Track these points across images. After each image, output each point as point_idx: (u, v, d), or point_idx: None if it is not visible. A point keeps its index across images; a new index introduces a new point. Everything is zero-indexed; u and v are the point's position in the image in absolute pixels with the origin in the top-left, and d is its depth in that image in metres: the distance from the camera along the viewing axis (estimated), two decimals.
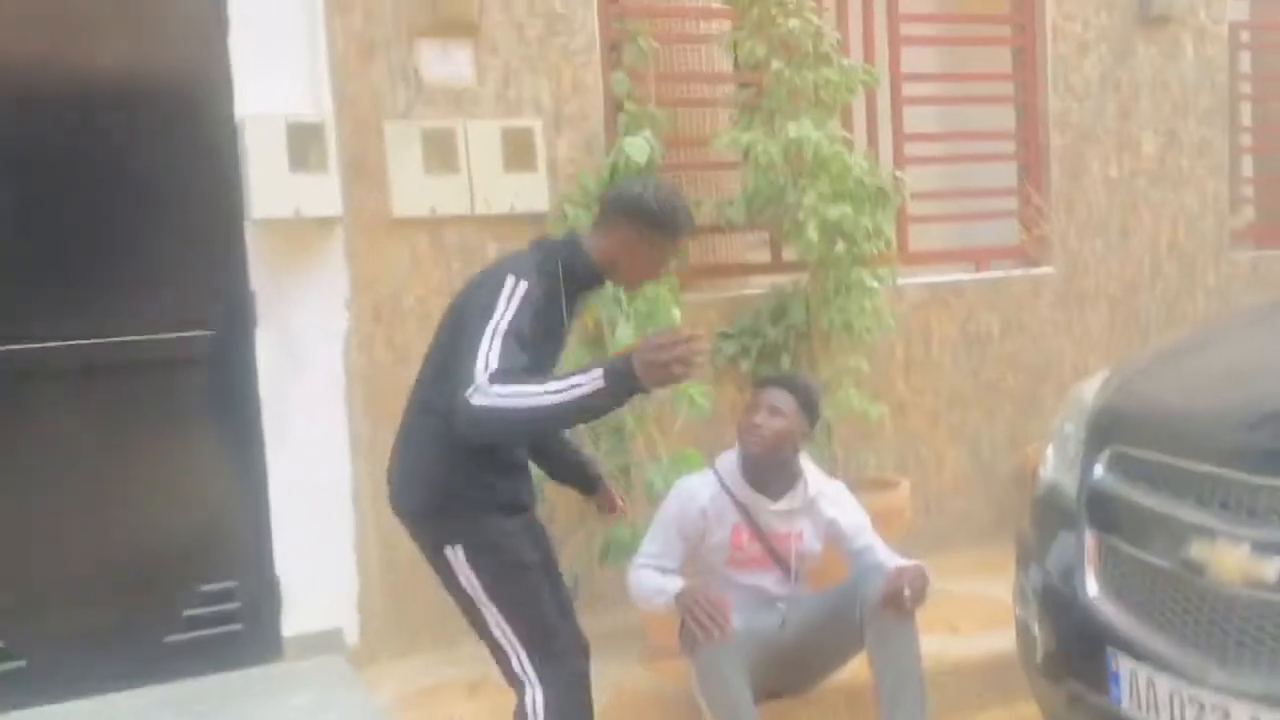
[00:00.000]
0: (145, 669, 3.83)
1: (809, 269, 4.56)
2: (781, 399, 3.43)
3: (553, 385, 2.42)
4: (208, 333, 3.94)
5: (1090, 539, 2.92)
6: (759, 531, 3.50)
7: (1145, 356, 3.39)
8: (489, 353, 2.45)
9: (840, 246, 4.30)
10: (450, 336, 2.70)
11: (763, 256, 5.07)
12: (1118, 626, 2.75)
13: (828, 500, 3.57)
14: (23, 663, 3.71)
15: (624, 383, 2.39)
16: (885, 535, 4.56)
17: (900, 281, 5.03)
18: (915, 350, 5.11)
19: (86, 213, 3.79)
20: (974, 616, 4.29)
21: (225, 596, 3.97)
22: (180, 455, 3.94)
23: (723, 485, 3.50)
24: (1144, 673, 2.64)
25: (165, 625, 3.89)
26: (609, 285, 3.00)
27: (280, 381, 4.01)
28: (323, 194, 3.87)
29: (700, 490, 3.51)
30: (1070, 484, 3.04)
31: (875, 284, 4.52)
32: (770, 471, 3.48)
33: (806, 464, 3.60)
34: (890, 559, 3.53)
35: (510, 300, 2.54)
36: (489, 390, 2.40)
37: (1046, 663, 3.06)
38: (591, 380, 2.39)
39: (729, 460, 3.53)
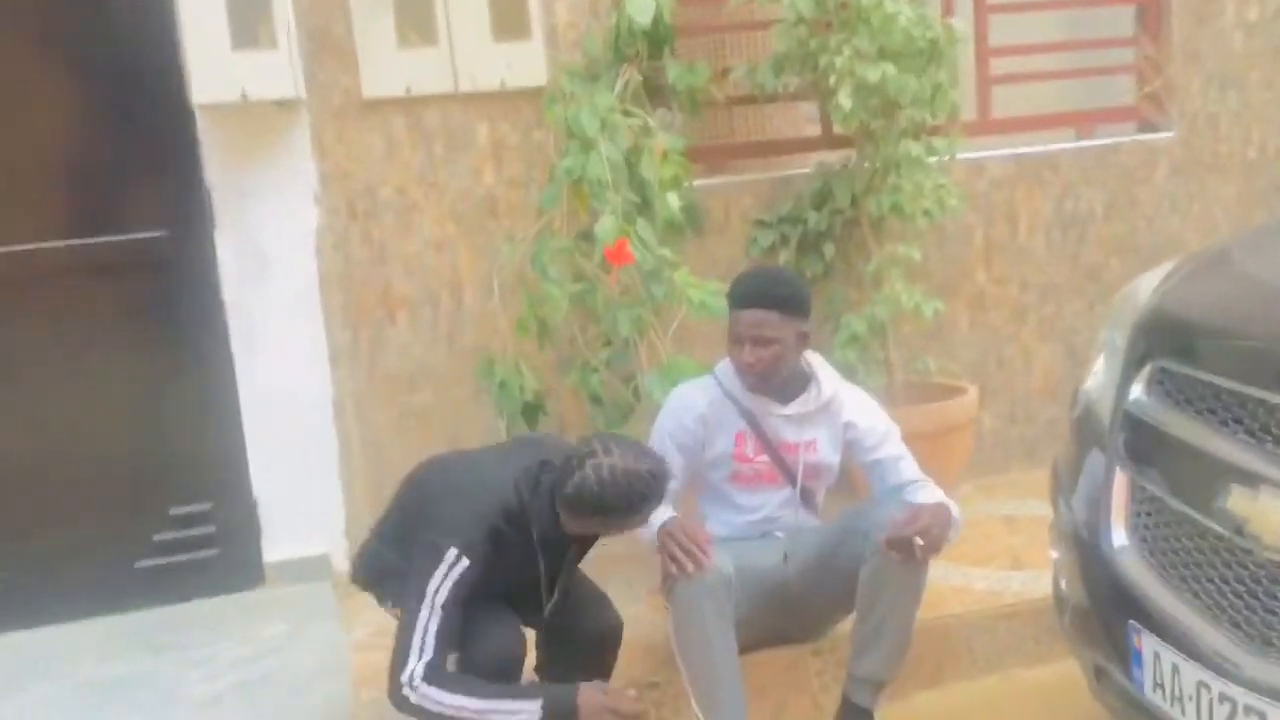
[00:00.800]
0: (115, 595, 3.60)
1: (856, 143, 3.92)
2: (762, 321, 2.86)
3: (488, 704, 2.40)
4: (161, 233, 3.59)
5: (1120, 477, 2.31)
6: (765, 439, 2.99)
7: (1219, 245, 2.68)
8: (428, 634, 2.42)
9: (884, 115, 3.64)
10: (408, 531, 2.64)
11: (815, 131, 4.41)
12: (1143, 592, 2.16)
13: (846, 404, 3.04)
14: None
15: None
16: (950, 452, 4.02)
17: (981, 154, 4.36)
18: (998, 234, 4.39)
19: (18, 104, 3.45)
20: (1043, 547, 3.66)
21: (199, 520, 3.69)
22: (141, 368, 3.63)
23: (724, 390, 3.00)
24: (1169, 656, 2.05)
25: (135, 550, 3.63)
26: None
27: (245, 286, 3.65)
28: (274, 73, 3.42)
29: (697, 397, 3.02)
30: (1107, 406, 2.42)
31: (931, 159, 3.85)
32: (782, 377, 2.96)
33: (818, 364, 3.06)
34: (916, 480, 2.98)
35: (448, 576, 2.44)
36: (422, 689, 2.40)
37: (1073, 623, 2.49)
38: (528, 713, 2.39)
39: (730, 365, 3.01)
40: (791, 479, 3.01)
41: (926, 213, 3.93)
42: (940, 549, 2.75)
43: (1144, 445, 2.25)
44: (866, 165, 3.88)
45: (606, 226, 3.28)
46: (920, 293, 3.86)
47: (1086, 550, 2.35)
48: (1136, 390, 2.29)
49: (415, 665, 2.40)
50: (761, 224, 4.08)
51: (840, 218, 4.00)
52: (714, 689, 2.74)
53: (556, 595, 2.72)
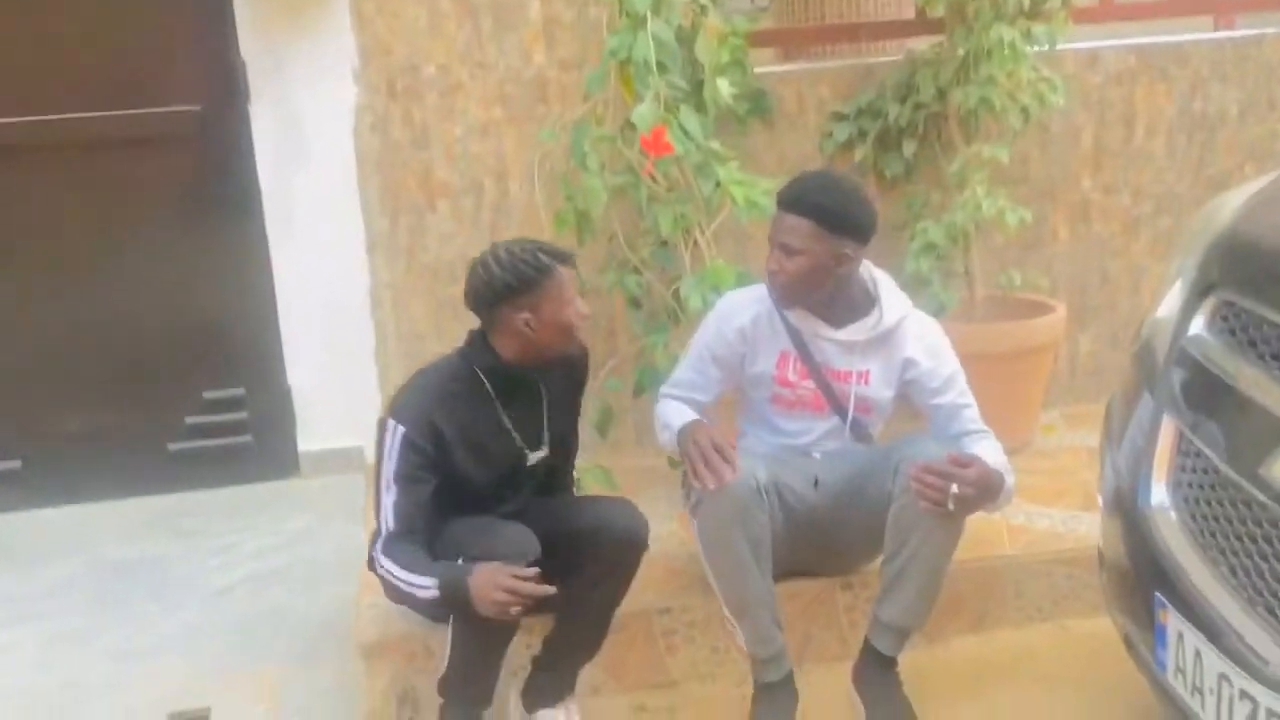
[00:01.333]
0: (145, 478, 3.58)
1: (947, 27, 3.52)
2: (793, 228, 2.55)
3: (411, 576, 2.34)
4: (194, 108, 3.46)
5: (1167, 425, 1.99)
6: (812, 364, 2.70)
7: None
8: (387, 510, 2.41)
9: None
10: None
11: (911, 14, 4.01)
12: (1174, 562, 1.86)
13: (910, 337, 2.70)
14: (17, 463, 3.52)
15: (456, 602, 2.27)
16: (1028, 377, 3.67)
17: (1097, 43, 3.89)
18: (1111, 136, 3.94)
19: None
20: None
21: (232, 405, 3.62)
22: (175, 246, 3.54)
23: (774, 304, 2.72)
24: (1192, 639, 1.76)
25: (167, 432, 3.59)
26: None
27: (281, 166, 3.50)
28: None
29: (743, 308, 2.74)
30: (1165, 342, 2.08)
31: (1032, 47, 3.43)
32: (828, 297, 2.66)
33: (886, 287, 2.72)
34: (977, 432, 2.66)
35: (390, 450, 2.40)
36: (380, 559, 2.40)
37: (1108, 583, 2.21)
38: (427, 589, 2.30)
39: None
40: (840, 410, 2.72)
41: (1024, 109, 3.53)
42: (973, 511, 2.45)
43: (1197, 391, 1.91)
44: (960, 53, 3.49)
45: (644, 113, 3.00)
46: (1007, 199, 3.47)
47: (1125, 505, 2.04)
48: (1197, 325, 1.96)
49: (378, 540, 2.40)
50: (838, 116, 3.73)
51: (924, 112, 3.62)
52: (746, 604, 2.54)
53: (546, 449, 2.58)
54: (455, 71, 3.53)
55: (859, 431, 2.76)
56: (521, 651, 2.62)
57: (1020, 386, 3.64)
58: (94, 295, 3.51)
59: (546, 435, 2.59)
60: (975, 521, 3.12)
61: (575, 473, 2.90)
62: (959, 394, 2.69)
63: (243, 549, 3.26)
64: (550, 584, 2.27)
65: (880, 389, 2.72)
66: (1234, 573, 1.73)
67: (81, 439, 3.55)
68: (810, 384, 2.70)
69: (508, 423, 2.52)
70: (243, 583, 3.10)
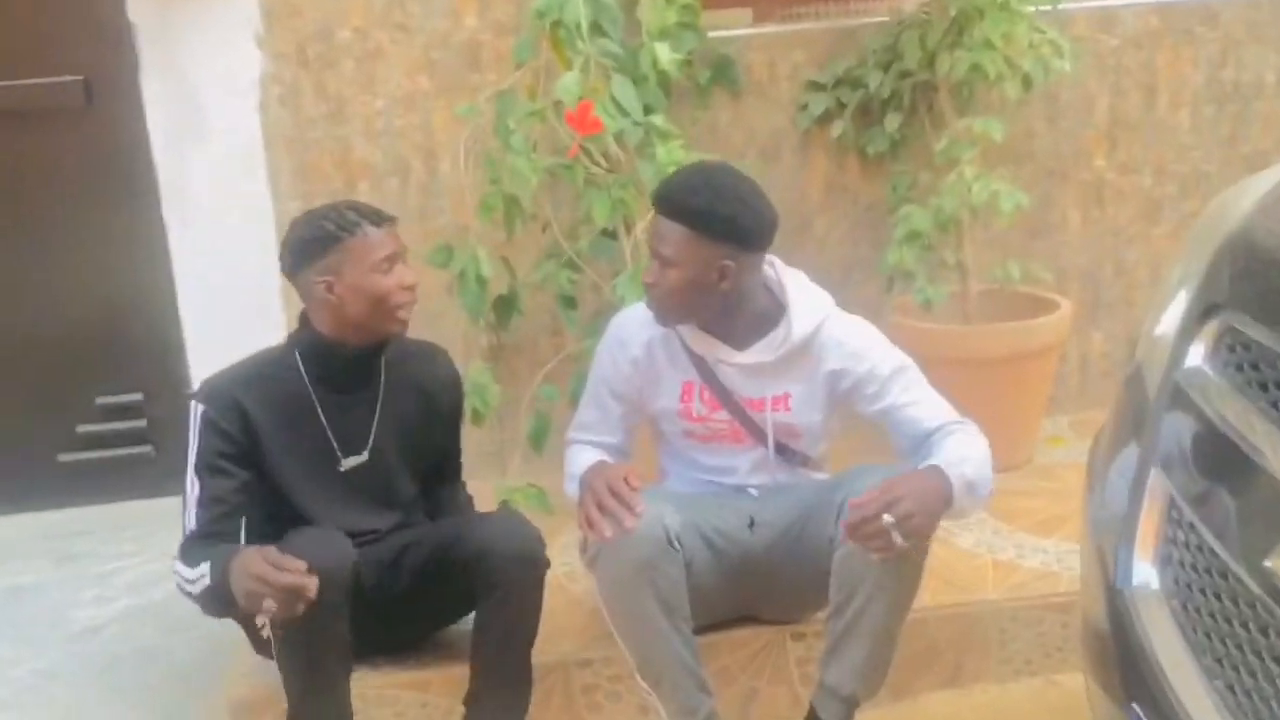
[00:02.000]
0: (36, 491, 3.23)
1: None
2: (664, 235, 2.12)
3: (190, 571, 2.04)
4: (76, 78, 3.07)
5: (1156, 481, 1.55)
6: (721, 391, 2.27)
7: None
8: (189, 507, 2.10)
9: None
10: None
11: None
12: (1156, 666, 1.43)
13: (829, 347, 2.24)
14: None
15: (218, 598, 1.98)
16: (1028, 383, 3.22)
17: (1113, 1, 3.41)
18: (1127, 107, 3.46)
19: None
20: None
21: (129, 412, 3.26)
22: (59, 232, 3.16)
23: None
24: None
25: (57, 442, 3.23)
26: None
27: (177, 144, 3.11)
28: None
29: (634, 332, 2.30)
30: (1156, 373, 1.65)
31: (1030, 6, 2.98)
32: (721, 314, 2.21)
33: (796, 293, 2.26)
34: (941, 426, 2.18)
35: (196, 433, 2.11)
36: (175, 568, 2.08)
37: (1082, 648, 1.79)
38: (201, 579, 2.00)
39: None
40: (763, 440, 2.30)
41: (1024, 77, 3.07)
42: (927, 534, 2.02)
43: (1192, 443, 1.48)
44: (951, 13, 3.03)
45: (567, 84, 2.59)
46: (1004, 181, 3.01)
47: (1100, 571, 1.61)
48: (1196, 355, 1.53)
49: (177, 550, 2.09)
50: (814, 86, 3.29)
51: (911, 81, 3.17)
52: (662, 670, 2.15)
53: (366, 456, 2.22)
54: (374, 36, 3.11)
55: (791, 459, 2.34)
56: None
57: (1019, 396, 3.19)
58: None
59: (372, 439, 2.21)
60: (954, 560, 2.73)
61: (472, 494, 2.53)
62: (903, 391, 2.21)
63: (123, 577, 2.91)
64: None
65: (805, 413, 2.28)
66: (1233, 691, 1.30)
67: None
68: (724, 414, 2.27)
69: (321, 414, 2.17)
70: (117, 619, 2.74)
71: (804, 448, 2.34)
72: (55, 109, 3.06)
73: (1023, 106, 3.33)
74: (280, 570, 1.84)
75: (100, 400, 3.22)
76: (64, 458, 3.23)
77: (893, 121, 3.21)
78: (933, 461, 2.06)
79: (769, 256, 2.22)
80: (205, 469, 2.07)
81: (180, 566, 2.04)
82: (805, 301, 2.25)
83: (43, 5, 3.02)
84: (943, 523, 2.06)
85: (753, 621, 2.49)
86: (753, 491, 2.33)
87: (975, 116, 3.08)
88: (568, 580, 2.73)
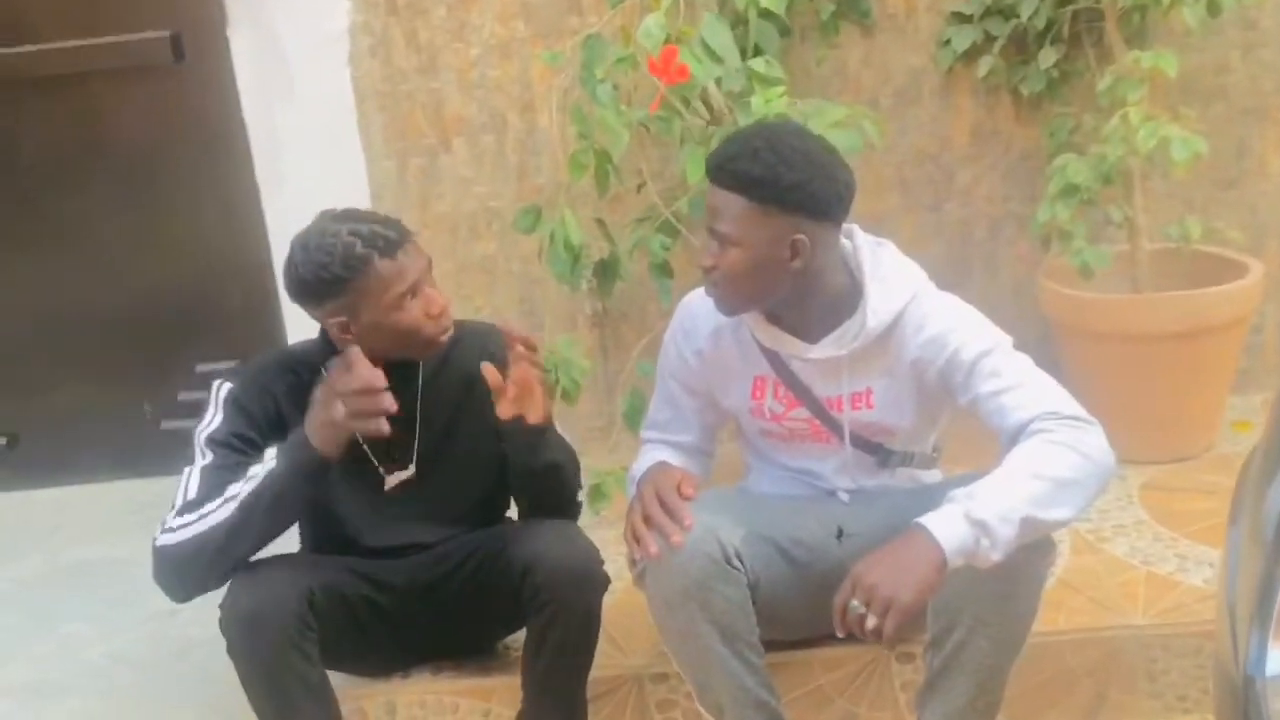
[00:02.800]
0: (140, 458, 3.19)
1: None
2: (720, 208, 1.78)
3: (230, 490, 1.79)
4: (164, 33, 2.95)
5: None
6: (798, 387, 1.95)
7: None
8: (190, 476, 1.85)
9: None
10: None
11: None
12: None
13: (912, 330, 1.87)
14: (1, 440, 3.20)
15: (300, 453, 1.76)
16: (1216, 363, 2.75)
17: None
18: None
19: None
20: None
21: None
22: (156, 199, 3.09)
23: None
24: None
25: (159, 409, 3.17)
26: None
27: (267, 101, 2.97)
28: None
29: (701, 319, 2.00)
30: None
31: None
32: (792, 301, 1.87)
33: (877, 269, 1.89)
34: (1025, 425, 1.74)
35: (213, 408, 1.90)
36: (169, 523, 1.80)
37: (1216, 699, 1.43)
38: (265, 466, 1.78)
39: None
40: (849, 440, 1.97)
41: (1211, 2, 2.59)
42: (914, 612, 1.60)
43: None
44: None
45: (649, 27, 2.29)
46: (1180, 125, 2.55)
47: (1232, 650, 1.26)
48: None
49: (170, 513, 1.82)
50: (958, 17, 2.88)
51: (1071, 9, 2.73)
52: (723, 699, 1.89)
53: (413, 469, 2.00)
54: None
55: (888, 460, 2.00)
56: None
57: (1197, 375, 2.74)
58: (68, 259, 3.12)
59: (416, 451, 1.99)
60: (1101, 571, 2.35)
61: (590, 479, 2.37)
62: (991, 378, 1.80)
63: None
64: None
65: (892, 411, 1.93)
66: None
67: (67, 418, 3.19)
68: (803, 412, 1.96)
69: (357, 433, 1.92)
70: (195, 602, 2.63)
71: (901, 446, 2.01)
72: (144, 67, 2.97)
73: (1212, 35, 2.83)
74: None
75: (200, 367, 3.14)
76: (167, 425, 3.17)
77: (1049, 56, 2.77)
78: (922, 520, 1.63)
79: (848, 226, 1.89)
80: (221, 445, 1.86)
81: (176, 522, 1.78)
82: (886, 283, 1.88)
83: None
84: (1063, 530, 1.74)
85: (851, 638, 2.19)
86: (843, 497, 2.02)
87: (1149, 48, 2.62)
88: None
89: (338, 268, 1.78)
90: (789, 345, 1.89)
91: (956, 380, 1.84)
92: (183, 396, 3.17)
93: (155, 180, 3.07)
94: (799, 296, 1.84)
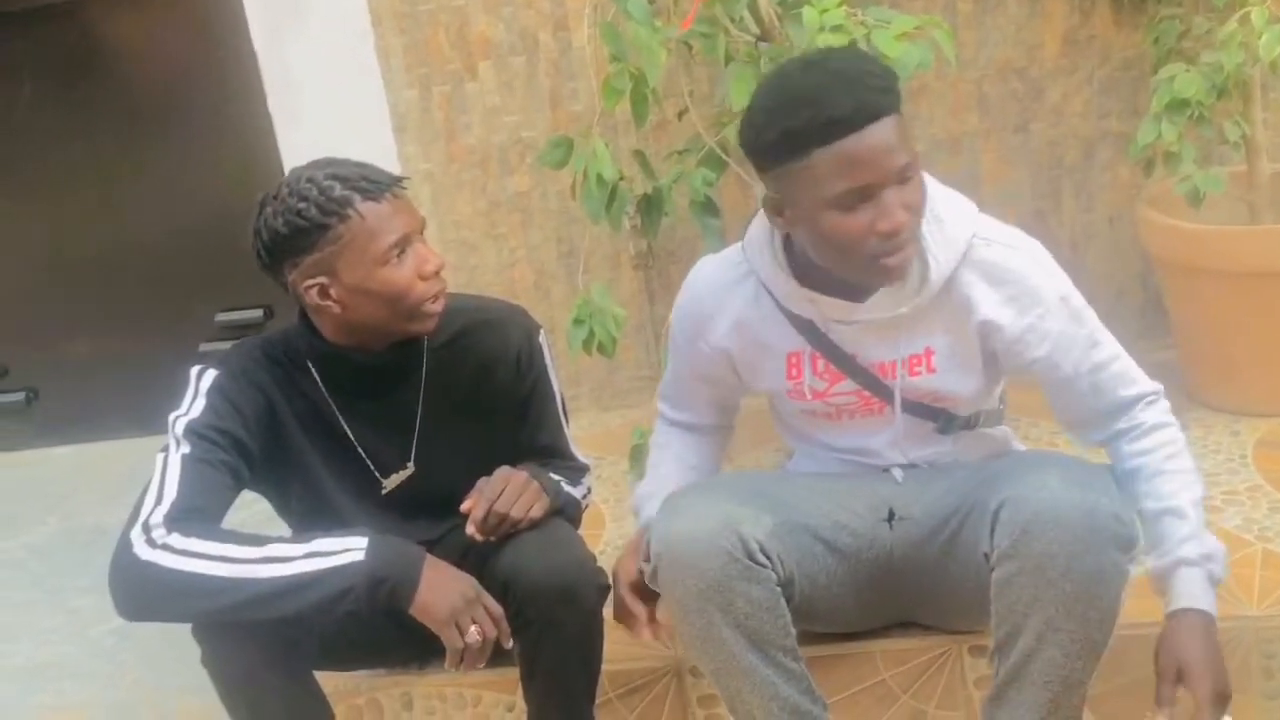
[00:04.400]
0: (163, 411, 3.01)
1: None
2: (899, 134, 1.44)
3: (277, 548, 1.49)
4: None
5: None
6: (840, 358, 1.65)
7: None
8: (167, 466, 1.60)
9: None
10: None
11: None
12: None
13: (978, 287, 1.58)
14: (20, 396, 3.06)
15: (386, 583, 1.49)
16: None
17: None
18: None
19: None
20: None
21: (251, 330, 2.99)
22: (166, 134, 2.90)
23: (758, 279, 1.67)
24: None
25: (180, 360, 2.98)
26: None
27: (277, 26, 2.72)
28: None
29: (711, 293, 1.71)
30: None
31: None
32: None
33: (934, 213, 1.56)
34: (1135, 401, 1.61)
35: (192, 400, 1.66)
36: (167, 538, 1.50)
37: None
38: (346, 553, 1.49)
39: (764, 232, 1.64)
40: (903, 408, 1.69)
41: None
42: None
43: None
44: None
45: None
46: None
47: None
48: None
49: (149, 514, 1.53)
50: None
51: None
52: (755, 710, 1.65)
53: (411, 466, 1.77)
54: None
55: (948, 425, 1.71)
56: None
57: None
58: (81, 205, 2.96)
59: (415, 446, 1.75)
60: None
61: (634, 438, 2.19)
62: (1073, 349, 1.59)
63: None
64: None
65: (955, 376, 1.64)
66: None
67: (90, 369, 3.06)
68: (849, 385, 1.67)
69: (346, 429, 1.71)
70: None
71: (962, 409, 1.72)
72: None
73: None
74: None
75: (221, 316, 2.96)
76: None
77: None
78: (1178, 604, 1.54)
79: None
80: (199, 435, 1.63)
81: (195, 542, 1.50)
82: (942, 224, 1.57)
83: None
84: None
85: (917, 628, 1.93)
86: (897, 475, 1.75)
87: None
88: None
89: (315, 212, 1.53)
90: (832, 309, 1.60)
91: (1028, 356, 1.59)
92: (204, 348, 3.01)
93: (164, 118, 2.88)
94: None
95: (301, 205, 1.53)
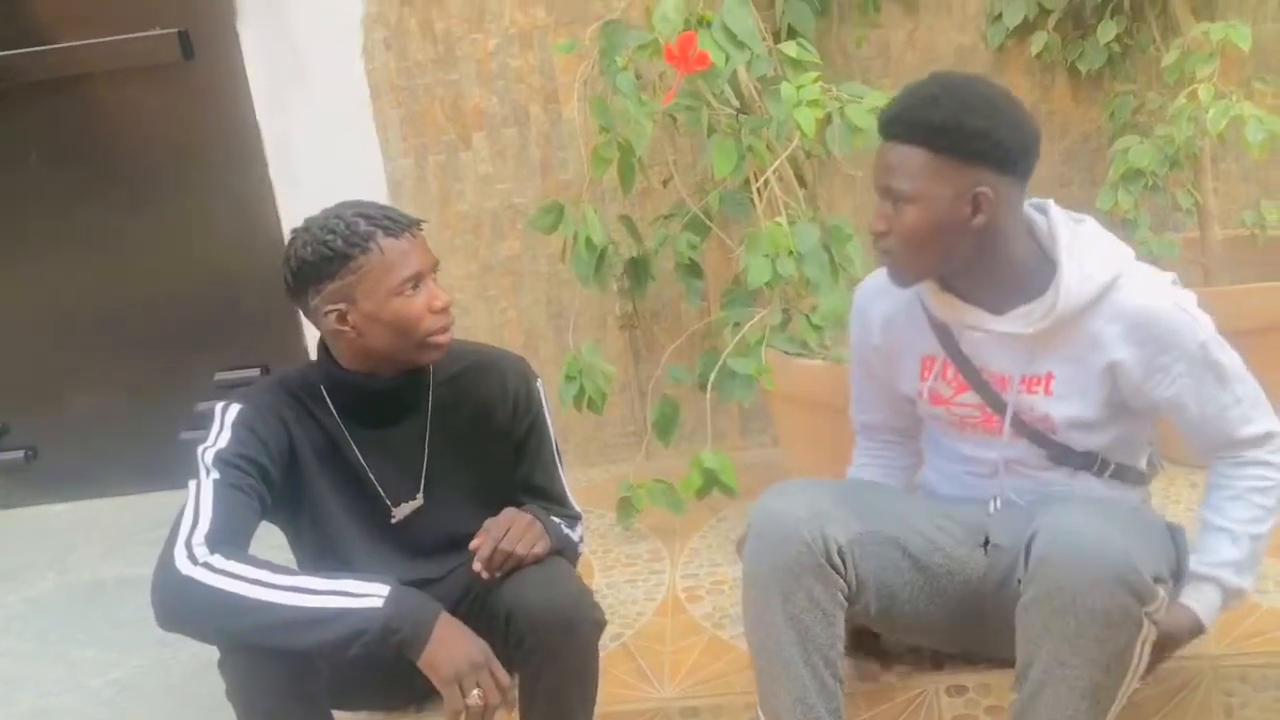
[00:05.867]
0: (160, 470, 3.06)
1: None
2: (897, 165, 1.63)
3: (307, 580, 1.58)
4: (173, 30, 2.84)
5: None
6: (967, 369, 1.78)
7: None
8: (201, 492, 1.66)
9: None
10: None
11: None
12: None
13: (1119, 322, 1.67)
14: (19, 454, 3.12)
15: (398, 634, 1.56)
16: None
17: None
18: None
19: None
20: None
21: None
22: (170, 199, 2.99)
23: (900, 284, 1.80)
24: None
25: (176, 420, 3.07)
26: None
27: (280, 96, 2.85)
28: None
29: (872, 302, 1.88)
30: None
31: None
32: (974, 266, 1.70)
33: (1074, 242, 1.69)
34: (1242, 451, 1.71)
35: (218, 431, 1.73)
36: (209, 557, 1.57)
37: None
38: (367, 598, 1.56)
39: None
40: (1022, 431, 1.78)
41: None
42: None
43: None
44: None
45: (665, 11, 2.12)
46: (1249, 103, 2.34)
47: None
48: None
49: (189, 535, 1.60)
50: None
51: None
52: (781, 712, 1.73)
53: (420, 498, 1.87)
54: None
55: (1065, 458, 1.79)
56: None
57: (1275, 374, 2.51)
58: (81, 266, 3.03)
59: (424, 478, 1.85)
60: None
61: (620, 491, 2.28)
62: (1207, 403, 1.68)
63: None
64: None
65: (1069, 404, 1.72)
66: None
67: (90, 427, 3.11)
68: (973, 396, 1.78)
69: (359, 456, 1.81)
70: None
71: (1075, 443, 1.78)
72: (153, 66, 2.86)
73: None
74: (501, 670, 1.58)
75: (220, 375, 3.04)
76: (186, 435, 3.07)
77: (1109, 30, 2.58)
78: (1188, 602, 1.72)
79: (1042, 201, 1.74)
80: (228, 463, 1.69)
81: (236, 564, 1.56)
82: (1085, 259, 1.68)
83: None
84: None
85: (989, 663, 1.98)
86: (992, 505, 1.84)
87: (1219, 19, 2.41)
88: (688, 600, 2.34)
89: (340, 243, 1.67)
90: (969, 315, 1.72)
91: (1157, 395, 1.69)
92: (201, 407, 3.08)
93: (168, 183, 2.97)
94: (979, 261, 1.67)
95: (329, 237, 1.67)
